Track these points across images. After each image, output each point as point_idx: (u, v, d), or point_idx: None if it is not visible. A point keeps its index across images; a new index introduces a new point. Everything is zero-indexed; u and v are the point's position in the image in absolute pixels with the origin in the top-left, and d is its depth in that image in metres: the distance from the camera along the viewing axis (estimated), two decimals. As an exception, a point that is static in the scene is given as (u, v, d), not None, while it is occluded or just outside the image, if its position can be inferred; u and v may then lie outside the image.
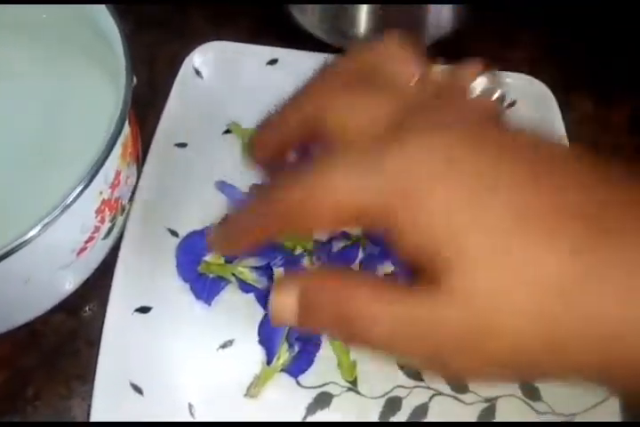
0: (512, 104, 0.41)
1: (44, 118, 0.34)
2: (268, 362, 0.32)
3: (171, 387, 0.31)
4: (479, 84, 0.22)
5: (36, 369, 0.33)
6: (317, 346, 0.33)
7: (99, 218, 0.30)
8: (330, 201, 0.19)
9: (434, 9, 0.40)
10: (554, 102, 0.40)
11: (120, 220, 0.33)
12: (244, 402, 0.31)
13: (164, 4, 0.46)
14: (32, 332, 0.33)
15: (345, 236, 0.36)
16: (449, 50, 0.41)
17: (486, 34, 0.46)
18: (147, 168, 0.36)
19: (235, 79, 0.41)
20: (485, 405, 0.32)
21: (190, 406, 0.31)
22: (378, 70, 0.22)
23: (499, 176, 0.18)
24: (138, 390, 0.30)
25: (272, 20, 0.44)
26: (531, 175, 0.18)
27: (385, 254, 0.34)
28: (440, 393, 0.32)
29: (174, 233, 0.35)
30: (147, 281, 0.33)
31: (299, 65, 0.41)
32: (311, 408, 0.31)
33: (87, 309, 0.34)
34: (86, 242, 0.30)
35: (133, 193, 0.35)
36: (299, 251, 0.35)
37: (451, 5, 0.40)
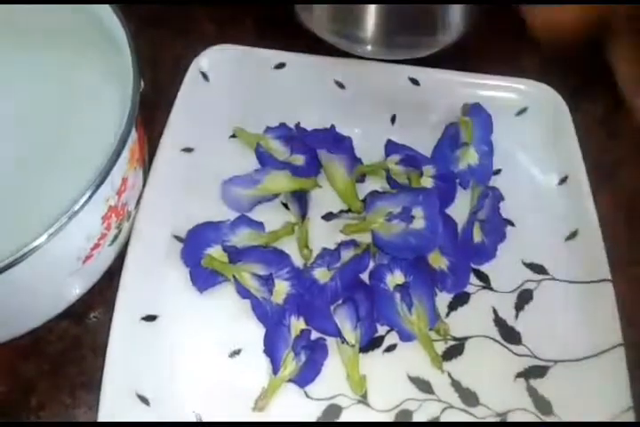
0: (523, 111, 0.41)
1: (48, 123, 0.33)
2: (275, 372, 0.31)
3: (177, 398, 0.31)
4: None
5: (40, 378, 0.32)
6: (324, 354, 0.32)
7: (105, 225, 0.30)
8: None
9: (444, 13, 0.40)
10: (565, 108, 0.40)
11: (126, 226, 0.33)
12: (251, 414, 0.31)
13: (168, 4, 0.45)
14: (36, 339, 0.33)
15: (354, 244, 0.35)
16: (459, 54, 0.41)
17: (496, 38, 0.45)
18: (153, 173, 0.35)
19: (242, 83, 0.40)
20: (497, 419, 0.31)
21: (197, 417, 0.30)
22: None
23: None
24: (144, 400, 0.30)
25: (278, 21, 0.43)
26: None
27: (396, 264, 0.34)
28: (451, 406, 0.31)
29: (180, 239, 0.35)
30: (153, 289, 0.33)
31: (306, 69, 0.41)
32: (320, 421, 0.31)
33: (92, 316, 0.34)
34: (92, 249, 0.30)
35: (139, 199, 0.34)
36: (308, 262, 0.34)
37: (461, 10, 0.40)
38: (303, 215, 0.36)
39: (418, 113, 0.41)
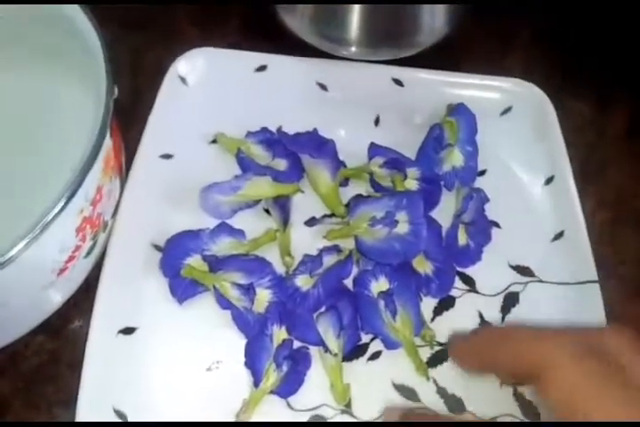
0: (508, 110, 0.40)
1: (19, 130, 0.32)
2: (256, 384, 0.31)
3: (156, 412, 0.30)
4: None
5: (15, 395, 0.31)
6: (307, 364, 0.32)
7: (79, 236, 0.29)
8: None
9: (427, 13, 0.39)
10: (551, 108, 0.39)
11: (102, 237, 0.32)
12: (233, 427, 0.30)
13: (147, 5, 0.44)
14: (11, 354, 0.32)
15: (337, 249, 0.34)
16: (443, 54, 0.41)
17: (481, 38, 0.45)
18: (130, 181, 0.35)
19: (222, 87, 0.40)
20: (484, 426, 0.31)
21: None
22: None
23: None
24: (121, 416, 0.29)
25: (259, 23, 0.42)
26: None
27: (380, 270, 0.33)
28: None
29: (159, 248, 0.34)
30: (131, 300, 0.32)
31: (288, 71, 0.40)
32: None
33: (69, 329, 0.33)
34: (67, 262, 0.29)
35: (116, 208, 0.34)
36: (290, 269, 0.34)
37: (444, 10, 0.39)
38: (285, 221, 0.36)
39: (402, 114, 0.40)
